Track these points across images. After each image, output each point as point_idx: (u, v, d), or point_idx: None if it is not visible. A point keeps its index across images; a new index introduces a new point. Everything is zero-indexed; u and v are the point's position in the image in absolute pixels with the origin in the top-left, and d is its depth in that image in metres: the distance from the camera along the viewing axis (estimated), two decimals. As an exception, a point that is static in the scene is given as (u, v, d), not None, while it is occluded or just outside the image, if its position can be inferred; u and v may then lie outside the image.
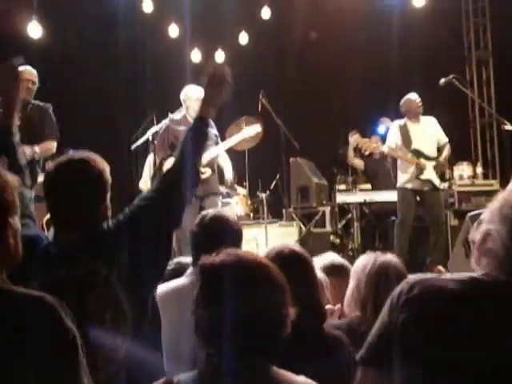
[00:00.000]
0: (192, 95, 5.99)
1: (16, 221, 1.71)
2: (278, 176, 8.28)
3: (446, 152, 6.72)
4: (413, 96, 6.73)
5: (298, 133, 7.55)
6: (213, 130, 6.15)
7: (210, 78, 2.55)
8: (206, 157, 5.96)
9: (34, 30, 7.83)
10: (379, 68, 8.72)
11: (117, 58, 8.81)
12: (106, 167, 2.32)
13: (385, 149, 6.64)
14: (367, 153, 6.88)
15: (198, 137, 2.49)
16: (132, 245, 2.20)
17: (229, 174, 6.35)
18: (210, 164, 6.06)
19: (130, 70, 8.88)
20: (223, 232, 2.77)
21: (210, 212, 2.97)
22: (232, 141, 6.21)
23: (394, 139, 6.71)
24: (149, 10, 8.62)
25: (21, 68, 5.38)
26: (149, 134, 6.32)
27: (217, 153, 6.09)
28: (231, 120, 6.67)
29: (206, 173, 6.01)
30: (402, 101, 6.76)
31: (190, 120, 6.02)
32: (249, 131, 6.27)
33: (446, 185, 6.74)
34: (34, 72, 5.46)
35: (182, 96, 6.15)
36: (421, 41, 8.71)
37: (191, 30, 8.22)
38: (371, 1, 8.87)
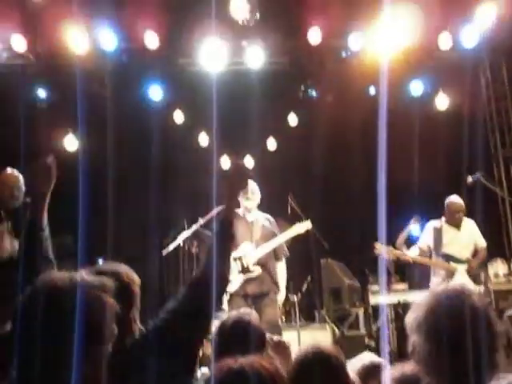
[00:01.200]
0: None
1: None
2: (309, 278, 8.22)
3: (481, 255, 6.61)
4: (455, 199, 6.69)
5: (327, 234, 7.57)
6: (271, 227, 6.19)
7: (231, 176, 2.60)
8: (257, 254, 5.99)
9: (70, 143, 8.19)
10: (405, 168, 8.81)
11: (149, 165, 9.09)
12: (135, 280, 2.32)
13: (412, 252, 6.63)
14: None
15: (224, 240, 2.42)
16: (157, 362, 2.11)
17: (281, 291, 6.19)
18: (262, 261, 6.03)
19: (162, 177, 9.13)
20: (244, 338, 2.67)
21: (231, 316, 2.89)
22: (282, 237, 6.19)
23: (425, 241, 6.69)
24: (180, 121, 9.00)
25: (8, 171, 5.55)
26: (180, 240, 6.41)
27: (268, 250, 6.06)
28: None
29: (255, 271, 5.98)
30: (448, 202, 6.74)
31: (243, 215, 6.12)
32: (299, 228, 6.27)
33: (481, 288, 6.53)
34: (20, 177, 5.56)
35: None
36: (446, 141, 8.84)
37: (220, 138, 8.51)
38: (394, 104, 9.10)
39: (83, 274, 1.75)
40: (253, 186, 6.25)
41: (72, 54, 7.99)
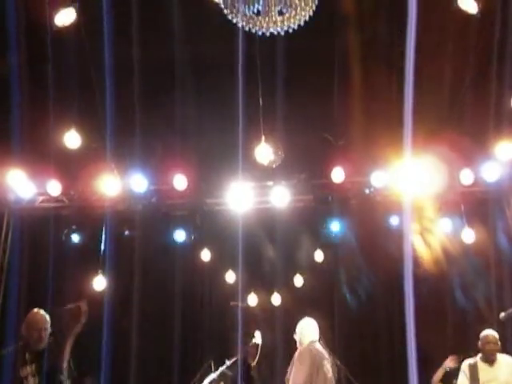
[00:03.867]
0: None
1: None
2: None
3: None
4: (488, 332, 6.48)
5: (356, 373, 7.34)
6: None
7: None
8: None
9: (99, 283, 8.32)
10: (436, 305, 8.68)
11: (174, 304, 9.09)
12: None
13: None
14: None
15: None
16: None
17: None
18: None
19: (188, 316, 9.09)
20: None
21: None
22: None
23: (463, 381, 6.41)
24: (207, 259, 9.11)
25: (36, 311, 5.56)
26: (206, 382, 6.26)
27: None
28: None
29: None
30: (481, 335, 6.54)
31: None
32: None
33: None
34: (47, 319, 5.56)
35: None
36: (475, 276, 8.76)
37: (248, 275, 8.56)
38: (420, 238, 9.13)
39: None
40: (299, 327, 6.16)
41: (104, 197, 8.32)
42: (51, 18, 5.71)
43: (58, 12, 5.67)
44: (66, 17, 5.72)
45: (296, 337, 6.21)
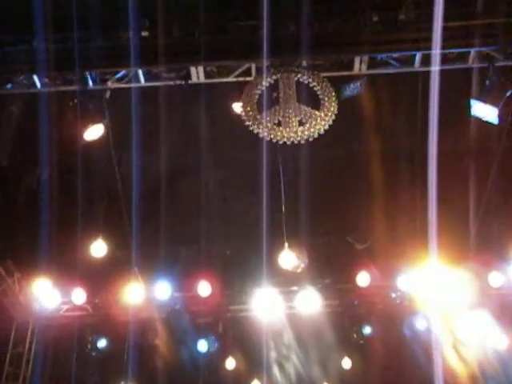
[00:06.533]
0: None
1: None
2: None
3: None
4: None
5: None
6: None
7: None
8: None
9: None
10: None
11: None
12: None
13: None
14: None
15: None
16: None
17: None
18: None
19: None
20: None
21: None
22: None
23: None
24: (231, 367, 8.90)
25: None
26: None
27: None
28: None
29: None
30: None
31: None
32: None
33: None
34: None
35: None
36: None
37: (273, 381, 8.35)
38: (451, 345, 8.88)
39: None
40: None
41: (128, 305, 8.29)
42: (81, 134, 5.90)
43: (88, 128, 5.88)
44: (95, 132, 5.93)
45: None
